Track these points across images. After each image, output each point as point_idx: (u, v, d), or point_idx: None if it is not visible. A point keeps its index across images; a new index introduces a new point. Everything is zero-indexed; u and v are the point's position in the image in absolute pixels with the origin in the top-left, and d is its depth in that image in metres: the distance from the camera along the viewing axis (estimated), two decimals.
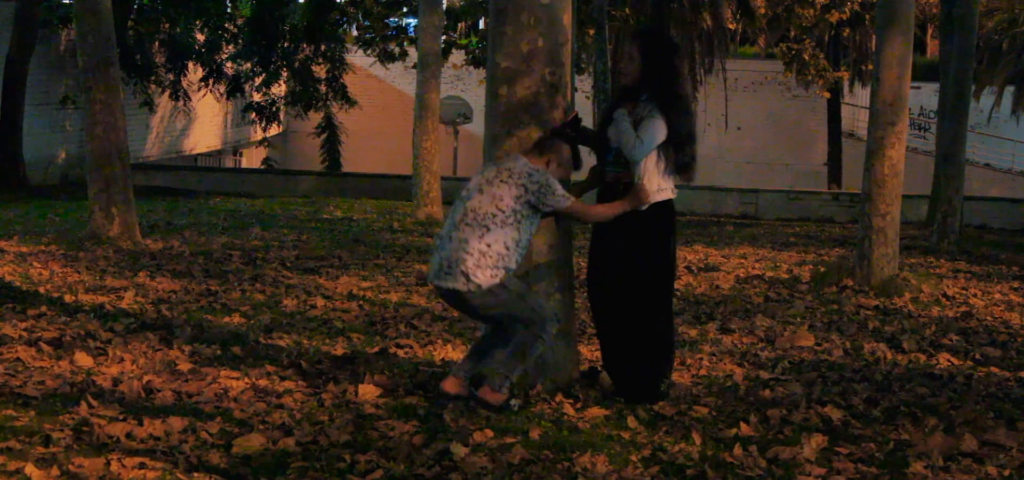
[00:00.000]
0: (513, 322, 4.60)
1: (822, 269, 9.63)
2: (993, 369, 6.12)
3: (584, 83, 23.18)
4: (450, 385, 4.75)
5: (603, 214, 4.85)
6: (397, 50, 24.17)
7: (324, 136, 25.73)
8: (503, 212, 4.52)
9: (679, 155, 4.90)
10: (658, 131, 4.83)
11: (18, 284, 7.54)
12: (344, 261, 9.48)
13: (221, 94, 24.22)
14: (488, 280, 4.48)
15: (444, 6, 19.69)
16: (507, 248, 4.53)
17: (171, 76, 22.59)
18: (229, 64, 23.73)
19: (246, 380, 5.08)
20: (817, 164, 30.27)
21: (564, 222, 5.00)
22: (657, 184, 4.88)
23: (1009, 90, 26.71)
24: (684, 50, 24.56)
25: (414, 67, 15.63)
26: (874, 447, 4.42)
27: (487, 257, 4.48)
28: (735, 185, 22.04)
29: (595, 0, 18.05)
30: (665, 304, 5.09)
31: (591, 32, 19.72)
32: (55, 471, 3.68)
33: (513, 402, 4.69)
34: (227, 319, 6.68)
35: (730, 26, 25.69)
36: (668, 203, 4.96)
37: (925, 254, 12.30)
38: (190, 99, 23.21)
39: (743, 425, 4.63)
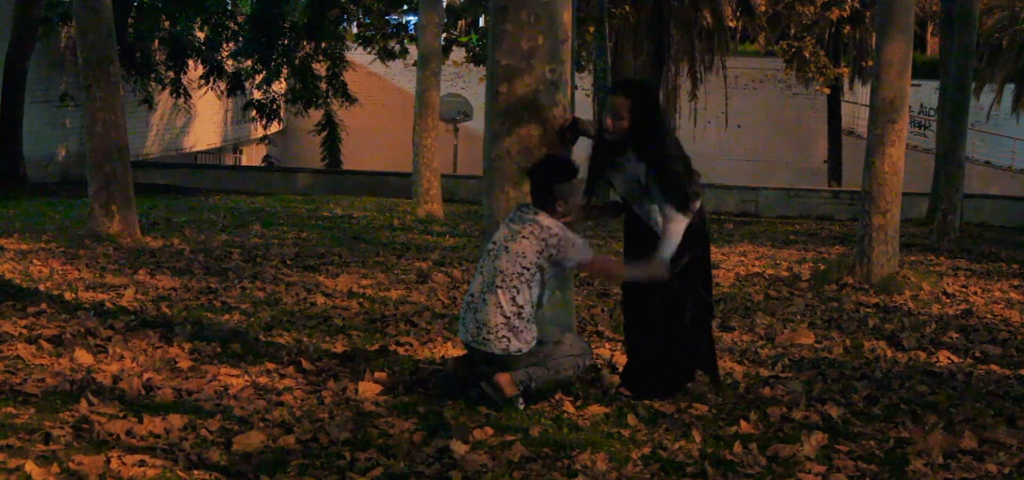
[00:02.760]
0: (552, 360, 4.74)
1: (822, 267, 9.63)
2: (993, 367, 6.12)
3: (584, 80, 23.18)
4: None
5: (630, 275, 4.85)
6: (397, 48, 24.17)
7: (324, 134, 25.73)
8: (528, 270, 4.62)
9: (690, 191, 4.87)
10: (678, 220, 4.84)
11: (18, 281, 7.54)
12: (344, 259, 9.48)
13: (221, 92, 24.21)
14: (525, 345, 4.63)
15: (444, 4, 19.69)
16: (535, 304, 4.67)
17: (171, 74, 22.57)
18: (229, 61, 23.72)
19: (246, 378, 5.08)
20: (817, 162, 30.26)
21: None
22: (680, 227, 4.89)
23: (1009, 88, 26.71)
24: (684, 48, 24.60)
25: (414, 65, 15.63)
26: (874, 445, 4.42)
27: (521, 317, 4.61)
28: (735, 183, 22.05)
29: None
30: (692, 312, 5.06)
31: (591, 30, 19.73)
32: (55, 469, 3.68)
33: (520, 402, 4.71)
34: (227, 317, 6.68)
35: (730, 24, 25.70)
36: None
37: (925, 252, 12.31)
38: (190, 97, 23.20)
39: (743, 423, 4.63)
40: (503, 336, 4.60)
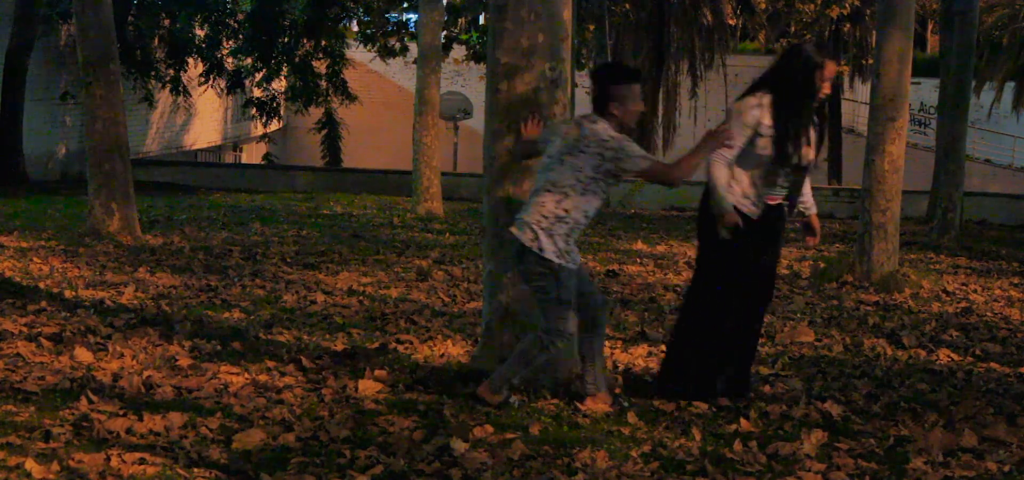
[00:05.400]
0: (540, 310, 4.64)
1: (822, 265, 9.63)
2: (993, 365, 6.12)
3: (584, 78, 23.14)
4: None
5: (690, 165, 4.60)
6: (397, 45, 24.16)
7: (324, 132, 25.71)
8: (582, 182, 4.54)
9: None
10: None
11: (18, 279, 7.54)
12: (344, 257, 9.48)
13: (221, 89, 24.19)
14: (549, 252, 4.51)
15: (445, 1, 19.66)
16: (586, 216, 4.58)
17: (171, 71, 22.55)
18: (229, 59, 23.70)
19: (246, 375, 5.08)
20: (817, 160, 30.23)
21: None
22: None
23: (1009, 86, 26.70)
24: (684, 46, 24.58)
25: (415, 63, 15.62)
26: (874, 443, 4.43)
27: (564, 222, 4.53)
28: None
29: None
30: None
31: (591, 28, 19.71)
32: (55, 466, 3.68)
33: (513, 399, 4.70)
34: (227, 314, 6.68)
35: (730, 21, 25.69)
36: None
37: (925, 250, 12.30)
38: (190, 94, 23.19)
39: (743, 421, 4.63)
40: (537, 231, 4.53)
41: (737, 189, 4.72)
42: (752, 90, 4.82)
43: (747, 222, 4.72)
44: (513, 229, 4.63)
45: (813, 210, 5.05)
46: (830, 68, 4.76)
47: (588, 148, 4.54)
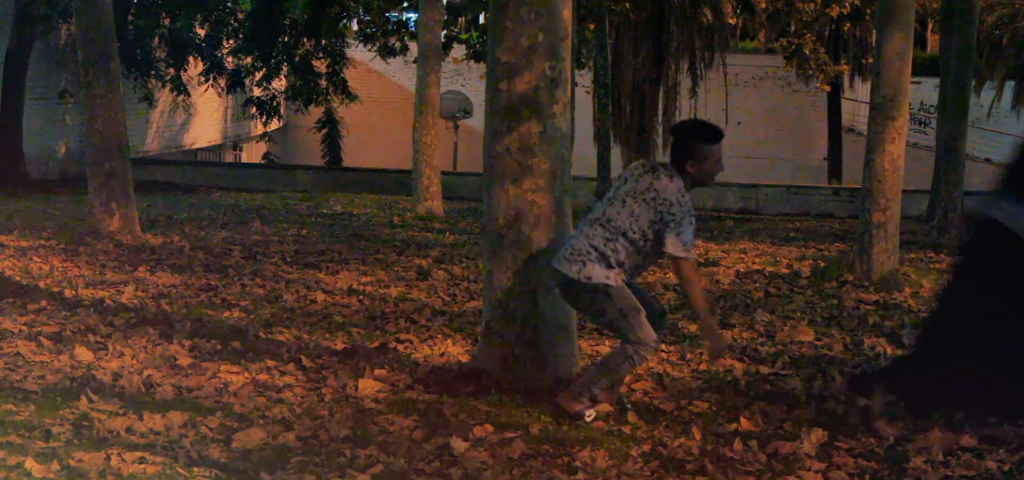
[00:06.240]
0: (614, 333, 4.64)
1: (822, 264, 9.63)
2: None
3: (584, 78, 23.15)
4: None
5: (700, 306, 4.55)
6: (398, 45, 24.15)
7: (324, 131, 25.72)
8: (634, 230, 4.51)
9: None
10: None
11: (18, 278, 7.54)
12: (344, 256, 9.48)
13: (222, 89, 24.19)
14: (598, 277, 4.49)
15: (444, 1, 19.66)
16: (629, 253, 4.53)
17: (171, 70, 22.55)
18: (230, 59, 23.70)
19: (246, 375, 5.08)
20: (817, 159, 30.25)
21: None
22: None
23: (1009, 85, 26.69)
24: (684, 45, 24.55)
25: (415, 62, 15.61)
26: (874, 442, 4.42)
27: (607, 259, 4.50)
28: (735, 180, 21.99)
29: None
30: None
31: (591, 27, 19.69)
32: (55, 466, 3.68)
33: (589, 414, 4.60)
34: (227, 314, 6.68)
35: (730, 21, 25.66)
36: None
37: (925, 249, 12.29)
38: (190, 94, 23.18)
39: (743, 420, 4.63)
40: (580, 259, 4.51)
41: None
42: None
43: None
44: (554, 264, 4.63)
45: None
46: None
47: (652, 201, 4.48)
